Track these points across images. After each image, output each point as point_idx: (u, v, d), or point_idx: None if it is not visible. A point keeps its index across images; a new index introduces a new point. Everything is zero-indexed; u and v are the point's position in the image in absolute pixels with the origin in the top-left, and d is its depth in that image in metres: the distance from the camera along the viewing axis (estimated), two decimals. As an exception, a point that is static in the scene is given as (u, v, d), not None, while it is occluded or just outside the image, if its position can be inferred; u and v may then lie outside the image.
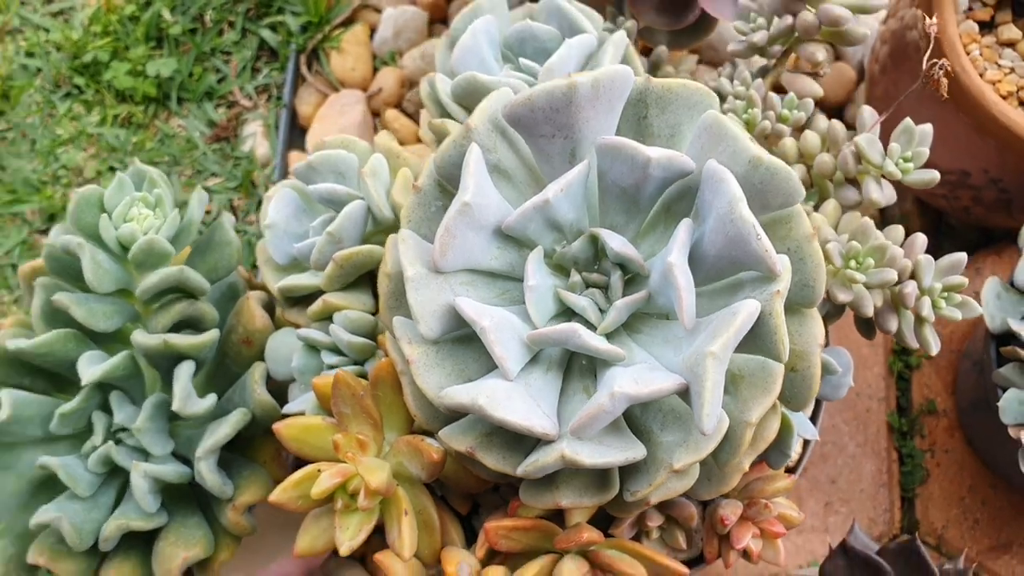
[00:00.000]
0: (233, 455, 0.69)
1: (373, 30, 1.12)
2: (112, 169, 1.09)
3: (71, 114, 1.12)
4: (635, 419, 0.51)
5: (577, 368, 0.52)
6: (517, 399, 0.48)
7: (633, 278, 0.52)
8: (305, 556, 0.57)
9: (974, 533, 0.90)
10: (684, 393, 0.48)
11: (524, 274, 0.50)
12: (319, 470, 0.55)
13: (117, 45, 1.12)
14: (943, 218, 1.00)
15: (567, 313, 0.52)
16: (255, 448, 0.71)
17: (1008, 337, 0.76)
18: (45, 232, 1.08)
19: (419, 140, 1.06)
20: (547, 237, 0.52)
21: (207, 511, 0.70)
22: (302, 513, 0.84)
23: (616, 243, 0.50)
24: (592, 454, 0.47)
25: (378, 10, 1.13)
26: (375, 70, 1.11)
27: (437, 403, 0.50)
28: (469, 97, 0.63)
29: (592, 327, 0.51)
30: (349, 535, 0.54)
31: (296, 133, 1.10)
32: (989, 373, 0.77)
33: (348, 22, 1.12)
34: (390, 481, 0.53)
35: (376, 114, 1.08)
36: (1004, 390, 0.74)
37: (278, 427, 0.57)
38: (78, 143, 1.10)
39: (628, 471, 0.51)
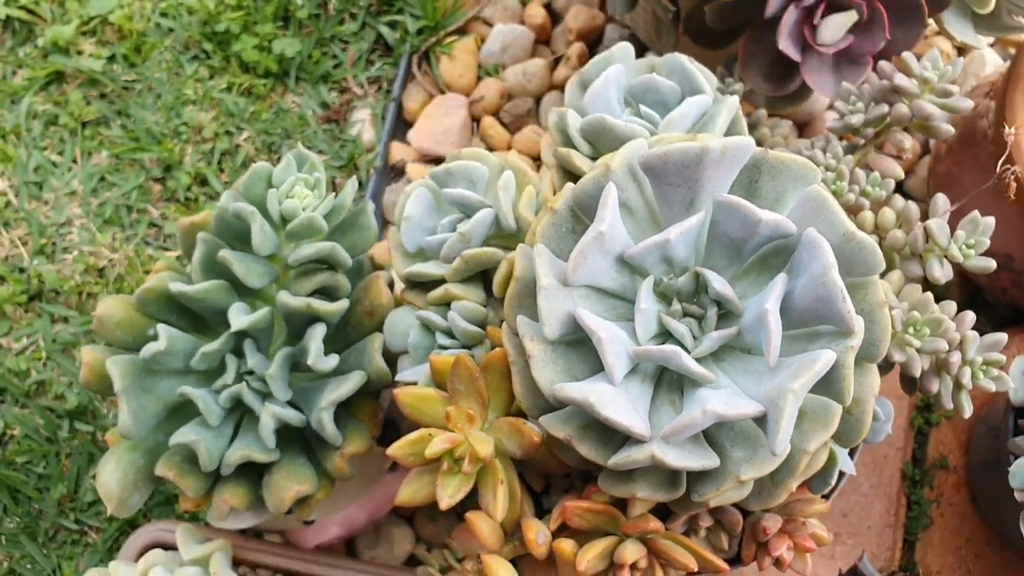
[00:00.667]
0: (339, 410, 0.78)
1: (482, 41, 1.22)
2: (228, 133, 1.18)
3: (196, 76, 1.22)
4: (711, 434, 0.60)
5: (666, 383, 0.62)
6: (620, 401, 0.57)
7: (725, 314, 0.61)
8: (404, 505, 0.66)
9: (965, 580, 0.99)
10: (759, 418, 0.57)
11: (637, 298, 0.60)
12: (431, 435, 0.64)
13: (247, 20, 1.22)
14: (980, 294, 1.09)
15: (665, 335, 0.61)
16: (357, 406, 0.81)
17: (1027, 411, 0.85)
18: (161, 180, 1.18)
19: (510, 148, 1.16)
20: (659, 269, 0.61)
21: (310, 454, 0.80)
22: (372, 471, 0.93)
23: (718, 284, 0.59)
24: (677, 457, 0.57)
25: (489, 24, 1.22)
26: (479, 79, 1.20)
27: (548, 394, 0.60)
28: (597, 135, 0.72)
29: (686, 350, 0.60)
30: (449, 493, 0.64)
31: (400, 126, 1.19)
32: (1003, 439, 0.87)
33: (461, 31, 1.22)
34: (493, 453, 0.63)
35: (476, 120, 1.18)
36: (1016, 457, 0.83)
37: (398, 393, 0.67)
38: (201, 104, 1.20)
39: (699, 476, 0.60)
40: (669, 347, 0.57)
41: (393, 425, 0.87)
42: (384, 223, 1.14)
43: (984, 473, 0.98)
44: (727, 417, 0.55)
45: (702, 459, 0.57)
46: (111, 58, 1.25)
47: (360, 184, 1.15)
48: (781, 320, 0.57)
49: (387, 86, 1.21)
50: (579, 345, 0.62)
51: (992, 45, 1.13)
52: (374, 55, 1.24)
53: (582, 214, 0.63)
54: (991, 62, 1.11)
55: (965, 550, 1.01)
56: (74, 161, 1.19)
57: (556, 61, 1.19)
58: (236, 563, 0.87)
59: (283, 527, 0.91)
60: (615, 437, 0.60)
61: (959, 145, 0.98)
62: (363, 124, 1.18)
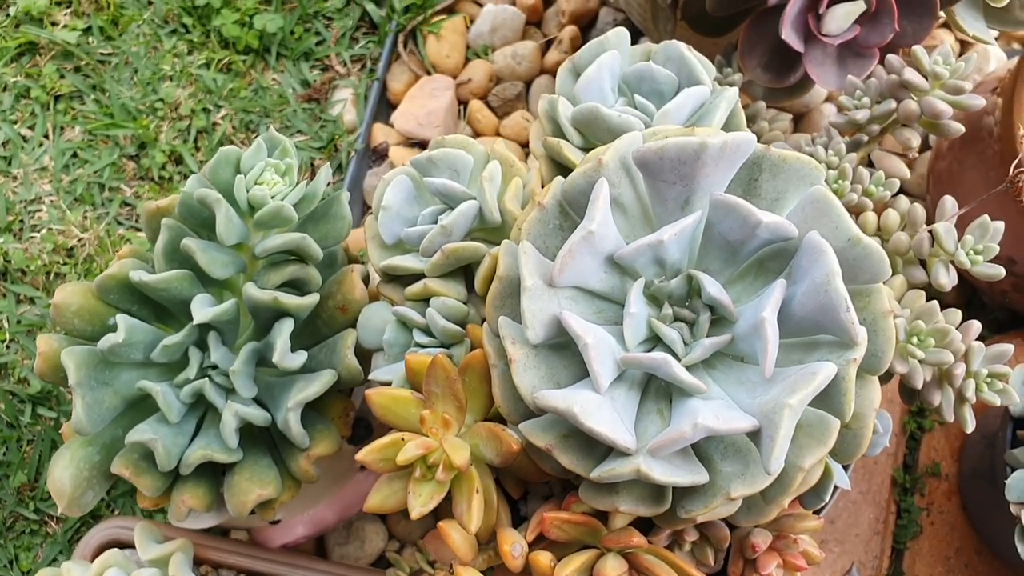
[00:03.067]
0: (307, 409, 0.74)
1: (471, 21, 1.17)
2: (206, 110, 1.14)
3: (175, 51, 1.17)
4: (700, 447, 0.57)
5: (654, 390, 0.58)
6: (606, 411, 0.54)
7: (719, 320, 0.58)
8: (373, 511, 0.63)
9: (954, 592, 0.96)
10: (753, 433, 0.54)
11: (626, 301, 0.56)
12: (403, 439, 0.61)
13: (228, -7, 1.17)
14: (976, 295, 1.06)
15: (654, 340, 0.58)
16: (327, 405, 0.77)
17: (1026, 422, 0.82)
18: (135, 158, 1.13)
19: (498, 133, 1.11)
20: (650, 270, 0.57)
21: (275, 455, 0.76)
22: (342, 468, 0.90)
23: (713, 288, 0.56)
24: (664, 472, 0.53)
25: (479, 3, 1.18)
26: (467, 60, 1.16)
27: (530, 401, 0.56)
28: (588, 126, 0.68)
29: (676, 357, 0.57)
30: (421, 502, 0.60)
31: (384, 107, 1.15)
32: (999, 448, 0.84)
33: (449, 10, 1.17)
34: (469, 460, 0.59)
35: (462, 103, 1.14)
36: (1013, 470, 0.80)
37: (370, 394, 0.63)
38: (178, 80, 1.15)
39: (686, 491, 0.57)
40: (659, 355, 0.54)
41: (365, 423, 0.84)
42: (364, 208, 1.10)
43: (976, 482, 0.95)
44: (718, 432, 0.51)
45: (691, 475, 0.54)
46: (87, 30, 1.20)
47: (340, 167, 1.11)
48: (778, 328, 0.53)
49: (371, 65, 1.16)
50: (563, 349, 0.58)
51: (996, 39, 1.10)
52: (359, 33, 1.19)
53: (571, 210, 0.59)
54: (995, 57, 1.08)
55: (954, 560, 0.98)
56: (45, 136, 1.15)
57: (547, 44, 1.15)
58: (198, 562, 0.83)
59: (249, 525, 0.87)
60: (599, 448, 0.57)
61: (962, 142, 0.95)
62: (345, 104, 1.14)
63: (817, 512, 0.67)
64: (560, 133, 0.70)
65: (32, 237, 1.10)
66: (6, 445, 1.02)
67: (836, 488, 0.71)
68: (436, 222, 0.68)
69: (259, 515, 0.75)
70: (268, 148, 0.72)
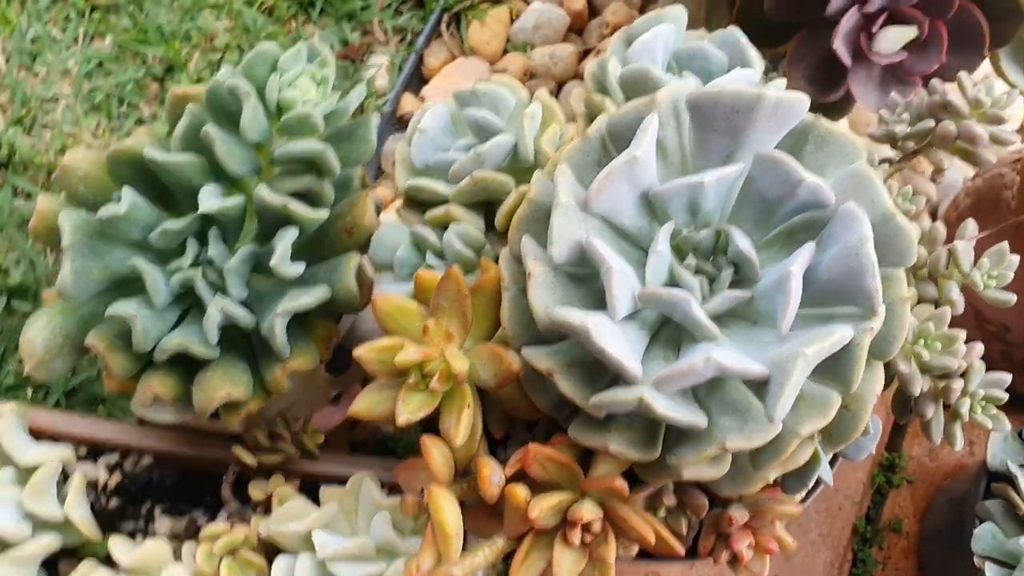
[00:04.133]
0: (293, 323, 0.73)
1: (516, 15, 1.19)
2: (240, 48, 1.14)
3: (220, -17, 1.18)
4: (700, 398, 0.56)
5: (663, 337, 0.58)
6: (618, 337, 0.53)
7: (739, 281, 0.58)
8: (358, 416, 0.61)
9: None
10: (756, 386, 0.53)
11: (654, 239, 0.56)
12: (404, 343, 0.60)
13: (285, -60, 1.18)
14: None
15: (674, 286, 0.58)
16: (312, 325, 0.75)
17: (1001, 476, 0.82)
18: (160, 80, 1.13)
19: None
20: (682, 216, 0.57)
21: (251, 362, 0.75)
22: (312, 399, 0.88)
23: (743, 242, 0.56)
24: (665, 406, 0.52)
25: (527, 0, 1.20)
26: (505, 51, 1.18)
27: (542, 319, 0.55)
28: (635, 86, 0.69)
29: (695, 303, 0.56)
30: (410, 409, 0.59)
31: (416, 79, 1.16)
32: (971, 503, 0.84)
33: (497, 0, 1.19)
34: (467, 372, 0.59)
35: (494, 89, 1.15)
36: (982, 521, 0.80)
37: (377, 297, 0.62)
38: (219, 12, 1.15)
39: (679, 438, 0.56)
40: (679, 292, 0.53)
41: (345, 352, 0.82)
42: (378, 172, 1.10)
43: (938, 542, 0.95)
44: (730, 371, 0.51)
45: (690, 414, 0.53)
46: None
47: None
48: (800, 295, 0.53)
49: (411, 38, 1.18)
50: (580, 281, 0.58)
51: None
52: (404, 6, 1.20)
53: (613, 146, 0.59)
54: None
55: (901, 621, 0.98)
56: (75, 40, 1.14)
57: (585, 53, 1.17)
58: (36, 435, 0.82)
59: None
60: (602, 378, 0.56)
61: (978, 201, 0.97)
62: (379, 70, 1.14)
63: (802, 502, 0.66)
64: (606, 93, 0.71)
65: (42, 135, 1.08)
66: (-30, 331, 0.99)
67: (818, 484, 0.71)
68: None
69: (222, 418, 0.73)
70: (308, 55, 0.71)
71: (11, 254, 1.02)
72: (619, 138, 0.58)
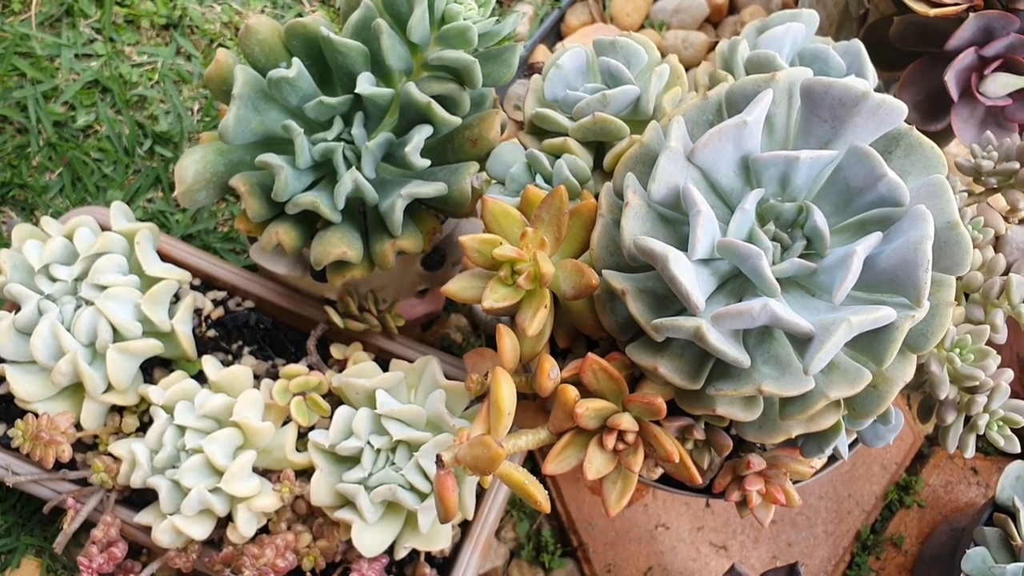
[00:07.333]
0: (406, 211, 0.82)
1: (660, -4, 1.26)
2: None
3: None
4: (748, 347, 0.64)
5: (728, 289, 0.65)
6: (691, 272, 0.61)
7: (808, 254, 0.65)
8: (448, 294, 0.70)
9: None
10: (800, 344, 0.61)
11: (743, 199, 0.63)
12: (502, 241, 0.68)
13: None
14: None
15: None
16: (421, 218, 0.85)
17: (1005, 509, 0.88)
18: None
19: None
20: (772, 187, 0.64)
21: (363, 235, 0.84)
22: (402, 287, 0.97)
23: (821, 221, 0.63)
24: (717, 339, 0.60)
25: (673, -16, 1.27)
26: (642, 26, 1.25)
27: (628, 245, 0.63)
28: (759, 69, 0.75)
29: (764, 264, 0.64)
30: (495, 297, 0.67)
31: (553, 35, 1.24)
32: (967, 533, 0.89)
33: (646, -22, 1.26)
34: (552, 275, 0.67)
35: (624, 59, 1.22)
36: (977, 545, 0.86)
37: (487, 199, 0.70)
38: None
39: (721, 374, 0.64)
40: (752, 246, 0.61)
41: (441, 253, 0.91)
42: (500, 110, 1.18)
43: (932, 566, 1.01)
44: (782, 321, 0.58)
45: (737, 352, 0.61)
46: None
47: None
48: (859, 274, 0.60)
49: (558, -4, 1.25)
50: (669, 223, 0.66)
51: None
52: (558, -36, 1.28)
53: (727, 111, 0.66)
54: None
55: (880, 632, 1.04)
56: (257, -71, 1.24)
57: (715, 45, 1.23)
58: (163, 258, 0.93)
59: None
60: (668, 307, 0.64)
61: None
62: (522, 17, 1.22)
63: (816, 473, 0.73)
64: (730, 71, 0.78)
65: (212, 6, 1.19)
66: (115, 165, 1.10)
67: (833, 460, 0.77)
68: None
69: (329, 278, 0.82)
70: (482, -25, 0.80)
71: (163, 105, 1.13)
72: (734, 105, 0.66)
